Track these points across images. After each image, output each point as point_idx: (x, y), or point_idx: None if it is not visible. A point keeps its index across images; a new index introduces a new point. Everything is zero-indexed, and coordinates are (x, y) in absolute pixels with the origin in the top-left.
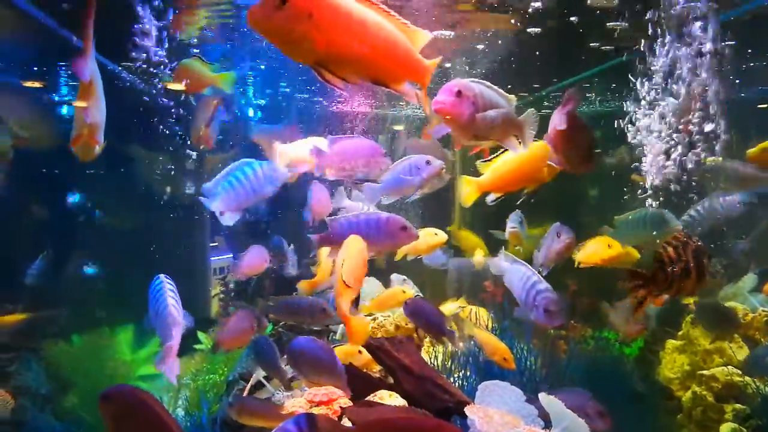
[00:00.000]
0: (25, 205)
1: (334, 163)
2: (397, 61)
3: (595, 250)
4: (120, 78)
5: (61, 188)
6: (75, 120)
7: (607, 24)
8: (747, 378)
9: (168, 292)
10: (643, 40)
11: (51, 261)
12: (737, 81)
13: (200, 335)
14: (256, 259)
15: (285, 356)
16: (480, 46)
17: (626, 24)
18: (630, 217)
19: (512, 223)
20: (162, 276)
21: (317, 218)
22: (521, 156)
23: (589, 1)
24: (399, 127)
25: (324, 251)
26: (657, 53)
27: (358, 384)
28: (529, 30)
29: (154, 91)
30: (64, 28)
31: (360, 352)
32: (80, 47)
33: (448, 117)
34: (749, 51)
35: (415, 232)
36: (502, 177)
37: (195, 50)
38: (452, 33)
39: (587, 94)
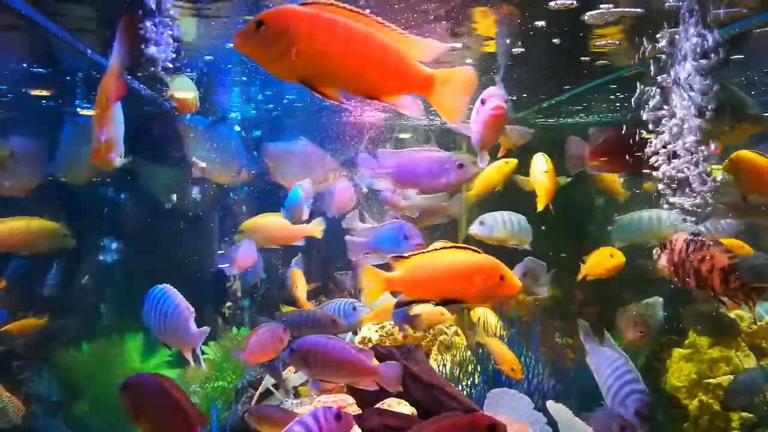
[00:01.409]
0: (38, 212)
1: (397, 175)
2: (387, 73)
3: (599, 261)
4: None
5: (72, 197)
6: (93, 133)
7: (596, 43)
8: None
9: (174, 294)
10: (637, 55)
11: (64, 269)
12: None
13: (205, 348)
14: (246, 254)
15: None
16: (469, 61)
17: (617, 41)
18: (633, 216)
19: (474, 227)
20: (160, 285)
21: (338, 212)
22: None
23: (584, 18)
24: (405, 136)
25: (297, 274)
26: (656, 68)
27: (366, 391)
28: (514, 51)
29: (160, 101)
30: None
31: None
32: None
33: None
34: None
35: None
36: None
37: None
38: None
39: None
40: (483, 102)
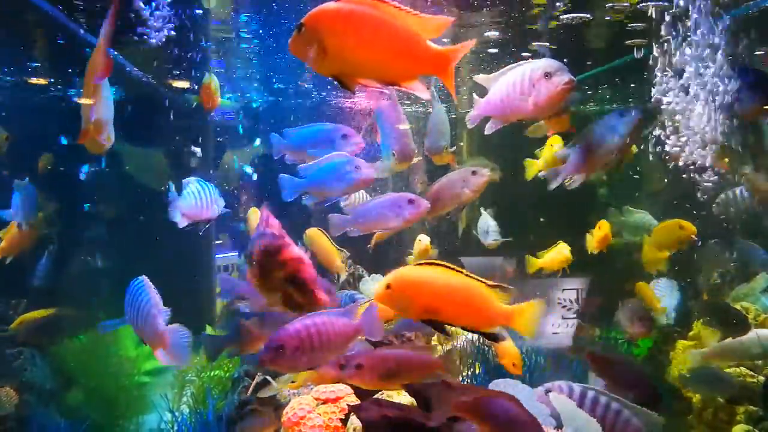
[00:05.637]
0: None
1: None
2: (406, 59)
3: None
4: (124, 70)
5: (65, 185)
6: (83, 114)
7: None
8: (760, 378)
9: (150, 288)
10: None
11: (55, 257)
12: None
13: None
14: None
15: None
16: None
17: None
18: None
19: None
20: (141, 277)
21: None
22: None
23: None
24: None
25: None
26: (665, 52)
27: None
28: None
29: (156, 83)
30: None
31: None
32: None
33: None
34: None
35: None
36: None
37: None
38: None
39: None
40: (548, 75)
